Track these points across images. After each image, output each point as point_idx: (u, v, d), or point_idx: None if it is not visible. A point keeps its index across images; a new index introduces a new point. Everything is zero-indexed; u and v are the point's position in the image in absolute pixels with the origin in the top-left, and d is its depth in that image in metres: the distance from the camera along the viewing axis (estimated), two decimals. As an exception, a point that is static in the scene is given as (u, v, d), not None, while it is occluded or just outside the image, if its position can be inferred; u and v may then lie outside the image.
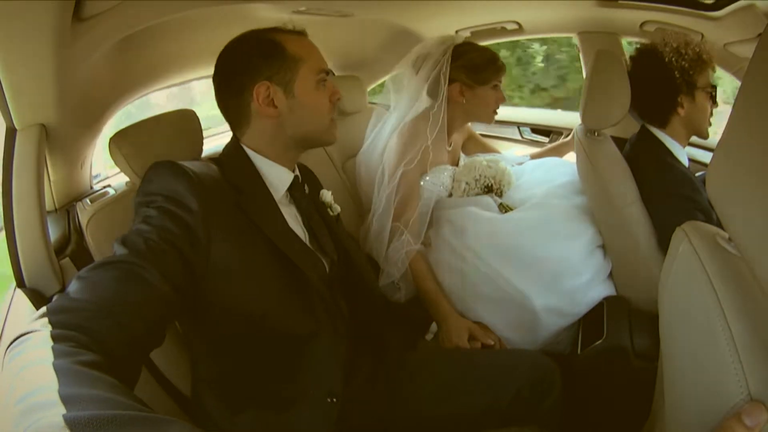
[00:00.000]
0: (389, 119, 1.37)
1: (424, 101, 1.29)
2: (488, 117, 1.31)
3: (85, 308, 0.47)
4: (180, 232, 0.60)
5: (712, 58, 1.05)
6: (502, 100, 1.28)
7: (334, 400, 0.71)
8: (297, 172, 0.83)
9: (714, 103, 1.08)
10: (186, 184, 0.64)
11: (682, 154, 1.10)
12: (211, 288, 0.64)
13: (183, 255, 0.59)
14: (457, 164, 1.38)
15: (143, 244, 0.57)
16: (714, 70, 1.08)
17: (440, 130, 1.26)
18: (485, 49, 1.29)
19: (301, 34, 0.79)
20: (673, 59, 1.04)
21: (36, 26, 0.62)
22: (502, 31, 1.65)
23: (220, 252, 0.64)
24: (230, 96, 0.76)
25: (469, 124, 1.51)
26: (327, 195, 0.91)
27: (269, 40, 0.75)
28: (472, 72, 1.24)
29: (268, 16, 1.10)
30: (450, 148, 1.35)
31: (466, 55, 1.25)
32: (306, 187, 0.85)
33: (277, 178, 0.77)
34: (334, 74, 0.83)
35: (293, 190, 0.80)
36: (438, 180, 1.28)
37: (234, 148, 0.78)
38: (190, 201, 0.63)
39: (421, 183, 1.25)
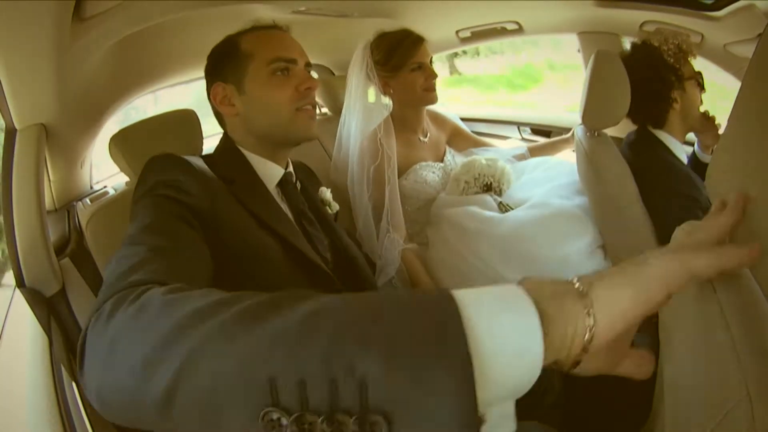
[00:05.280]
0: (347, 128, 1.32)
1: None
2: (422, 99, 1.24)
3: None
4: (188, 214, 0.60)
5: (690, 47, 1.06)
6: (432, 77, 1.22)
7: None
8: (290, 168, 0.82)
9: (702, 89, 1.09)
10: (183, 170, 0.65)
11: (681, 151, 1.09)
12: (216, 270, 0.62)
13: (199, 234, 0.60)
14: (441, 160, 1.36)
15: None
16: (695, 57, 1.08)
17: (389, 126, 1.23)
18: (393, 34, 1.23)
19: (268, 28, 0.78)
20: (662, 58, 1.04)
21: (36, 26, 0.62)
22: (502, 31, 1.65)
23: (221, 235, 0.63)
24: (208, 95, 0.79)
25: (461, 121, 1.52)
26: (326, 193, 0.90)
27: (227, 41, 0.78)
28: (383, 64, 1.22)
29: (267, 16, 1.10)
30: (426, 141, 1.32)
31: (377, 50, 1.23)
32: (299, 184, 0.85)
33: (268, 172, 0.78)
34: (309, 64, 0.79)
35: (284, 186, 0.79)
36: (420, 178, 1.26)
37: (226, 143, 0.79)
38: (189, 186, 0.63)
39: (403, 182, 1.24)
